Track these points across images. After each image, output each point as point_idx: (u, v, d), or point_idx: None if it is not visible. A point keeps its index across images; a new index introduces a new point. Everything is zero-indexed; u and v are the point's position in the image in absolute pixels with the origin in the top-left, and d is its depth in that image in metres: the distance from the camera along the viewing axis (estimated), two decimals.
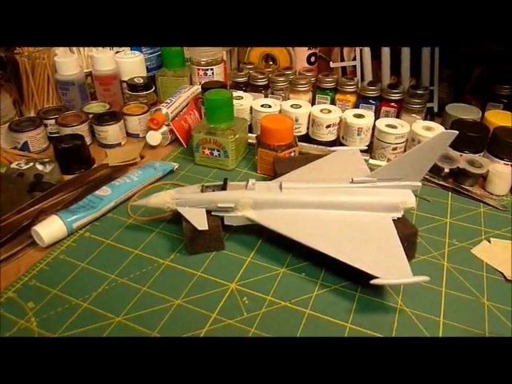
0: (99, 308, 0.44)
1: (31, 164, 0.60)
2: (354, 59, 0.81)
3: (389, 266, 0.43)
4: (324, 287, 0.47)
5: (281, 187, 0.50)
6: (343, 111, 0.70)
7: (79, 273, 0.48)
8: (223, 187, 0.50)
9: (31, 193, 0.57)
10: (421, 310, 0.44)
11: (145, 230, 0.55)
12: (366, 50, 0.78)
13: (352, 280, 0.47)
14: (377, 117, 0.72)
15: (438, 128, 0.66)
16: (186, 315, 0.43)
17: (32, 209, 0.54)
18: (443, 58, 0.78)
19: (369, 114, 0.69)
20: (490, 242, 0.53)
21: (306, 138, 0.72)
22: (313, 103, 0.79)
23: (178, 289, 0.46)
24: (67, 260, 0.50)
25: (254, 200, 0.49)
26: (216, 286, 0.47)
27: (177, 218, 0.53)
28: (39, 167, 0.59)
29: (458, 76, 0.81)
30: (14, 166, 0.60)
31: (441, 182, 0.64)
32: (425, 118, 0.74)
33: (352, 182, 0.50)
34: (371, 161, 0.67)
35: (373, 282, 0.41)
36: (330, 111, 0.70)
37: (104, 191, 0.57)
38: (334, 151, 0.63)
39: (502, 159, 0.63)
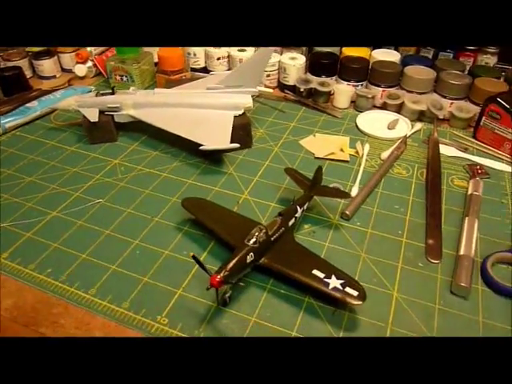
0: (20, 174, 0.63)
1: None
2: None
3: (217, 140, 0.62)
4: (180, 162, 0.66)
5: (154, 93, 0.68)
6: None
7: (9, 154, 0.67)
8: (112, 93, 0.68)
9: None
10: (244, 173, 0.64)
11: (61, 131, 0.73)
12: None
13: (203, 158, 0.66)
14: None
15: (300, 58, 0.83)
16: (78, 177, 0.62)
17: None
18: None
19: (250, 49, 0.86)
20: (315, 136, 0.72)
21: (205, 70, 0.89)
22: None
23: (76, 163, 0.65)
24: (1, 148, 0.68)
25: (134, 101, 0.67)
26: (103, 162, 0.66)
27: None
28: None
29: None
30: None
31: (299, 99, 0.82)
32: (308, 54, 0.91)
33: (207, 88, 0.68)
34: None
35: (201, 147, 0.60)
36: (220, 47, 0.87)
37: (32, 104, 0.75)
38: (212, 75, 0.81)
39: (348, 81, 0.81)
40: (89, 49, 0.87)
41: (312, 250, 0.49)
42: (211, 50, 0.86)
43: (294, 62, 0.82)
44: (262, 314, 0.44)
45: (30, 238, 0.52)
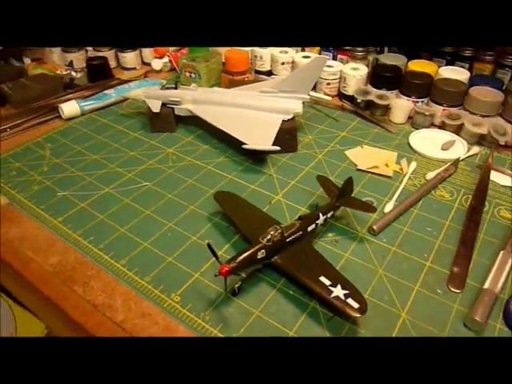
0: (88, 151, 0.71)
1: (68, 71, 0.88)
2: None
3: (260, 141, 0.65)
4: (226, 157, 0.70)
5: (212, 91, 0.73)
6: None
7: (83, 134, 0.76)
8: (175, 88, 0.74)
9: (65, 89, 0.86)
10: (283, 175, 0.66)
11: (130, 117, 0.81)
12: None
13: (248, 156, 0.69)
14: None
15: (362, 68, 0.83)
16: (134, 160, 0.69)
17: (64, 98, 0.83)
18: None
19: (314, 56, 0.88)
20: (362, 147, 0.72)
21: (269, 73, 0.93)
22: None
23: (136, 147, 0.72)
24: (77, 128, 0.78)
25: (193, 97, 0.73)
26: (159, 149, 0.72)
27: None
28: (73, 74, 0.88)
29: None
30: (58, 72, 0.89)
31: (354, 109, 0.82)
32: (372, 65, 0.91)
33: (261, 92, 0.72)
34: (311, 93, 0.86)
35: (243, 146, 0.64)
36: (286, 52, 0.90)
37: (109, 91, 0.84)
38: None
39: (409, 96, 0.79)
40: None
41: (330, 258, 0.50)
42: (277, 54, 0.89)
43: (355, 72, 0.82)
44: (267, 310, 0.46)
45: (83, 208, 0.60)
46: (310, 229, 0.51)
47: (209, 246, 0.44)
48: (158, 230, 0.56)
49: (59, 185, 0.64)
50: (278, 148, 0.63)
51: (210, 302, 0.47)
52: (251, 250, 0.46)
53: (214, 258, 0.44)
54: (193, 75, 0.89)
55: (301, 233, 0.49)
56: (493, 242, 0.55)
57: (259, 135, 0.66)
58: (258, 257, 0.46)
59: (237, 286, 0.47)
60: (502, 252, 0.52)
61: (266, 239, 0.47)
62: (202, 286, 0.49)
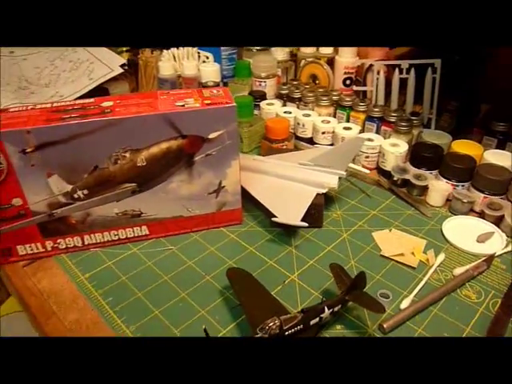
0: None
1: None
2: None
3: (290, 215, 0.65)
4: (252, 227, 0.71)
5: (253, 159, 0.76)
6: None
7: None
8: None
9: None
10: (302, 253, 0.66)
11: None
12: (381, 79, 0.96)
13: (273, 227, 0.70)
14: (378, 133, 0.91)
15: (402, 145, 0.82)
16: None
17: None
18: (449, 91, 0.91)
19: (355, 127, 0.88)
20: (390, 231, 0.70)
21: (310, 140, 0.94)
22: (335, 116, 1.00)
23: None
24: None
25: None
26: None
27: None
28: None
29: (462, 109, 0.93)
30: None
31: (390, 186, 0.80)
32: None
33: (299, 164, 0.73)
34: (350, 164, 0.86)
35: (273, 219, 0.65)
36: (328, 122, 0.91)
37: None
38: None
39: (449, 179, 0.76)
40: None
41: None
42: (318, 124, 0.90)
43: (394, 148, 0.81)
44: None
45: (109, 267, 0.64)
46: (312, 322, 0.50)
47: (205, 330, 0.45)
48: (171, 298, 0.59)
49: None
50: (305, 224, 0.64)
51: None
52: None
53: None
54: None
55: (301, 326, 0.49)
56: None
57: (290, 208, 0.67)
58: None
59: None
60: None
61: (263, 331, 0.47)
62: None
